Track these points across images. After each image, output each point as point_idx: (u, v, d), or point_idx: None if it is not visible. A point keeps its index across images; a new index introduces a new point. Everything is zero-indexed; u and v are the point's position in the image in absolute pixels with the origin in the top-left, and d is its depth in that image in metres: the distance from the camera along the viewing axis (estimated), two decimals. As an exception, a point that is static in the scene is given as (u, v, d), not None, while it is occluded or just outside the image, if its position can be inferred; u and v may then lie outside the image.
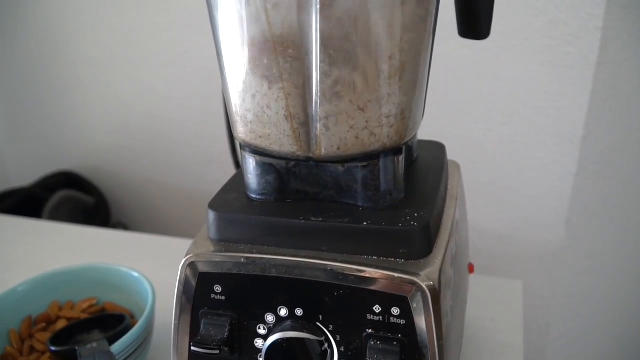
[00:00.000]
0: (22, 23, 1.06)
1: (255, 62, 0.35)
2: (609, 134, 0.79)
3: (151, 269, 0.61)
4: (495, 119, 0.82)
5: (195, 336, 0.40)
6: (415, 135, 0.46)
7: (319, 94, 0.35)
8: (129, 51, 0.99)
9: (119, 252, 0.81)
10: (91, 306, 0.59)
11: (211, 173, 1.04)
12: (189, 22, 0.92)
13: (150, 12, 0.94)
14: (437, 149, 0.50)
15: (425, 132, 0.86)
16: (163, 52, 0.97)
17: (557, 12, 0.73)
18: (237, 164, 0.61)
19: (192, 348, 0.39)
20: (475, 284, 0.66)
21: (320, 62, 0.34)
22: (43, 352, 0.55)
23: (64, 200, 0.98)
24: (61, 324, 0.57)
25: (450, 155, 0.75)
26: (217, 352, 0.39)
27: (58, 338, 0.54)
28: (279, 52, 0.34)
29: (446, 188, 0.47)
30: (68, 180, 1.07)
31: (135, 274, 0.57)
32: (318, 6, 0.32)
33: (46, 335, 0.55)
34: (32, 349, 0.55)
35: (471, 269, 0.55)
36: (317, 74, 0.34)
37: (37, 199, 0.99)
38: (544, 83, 0.77)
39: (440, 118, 0.84)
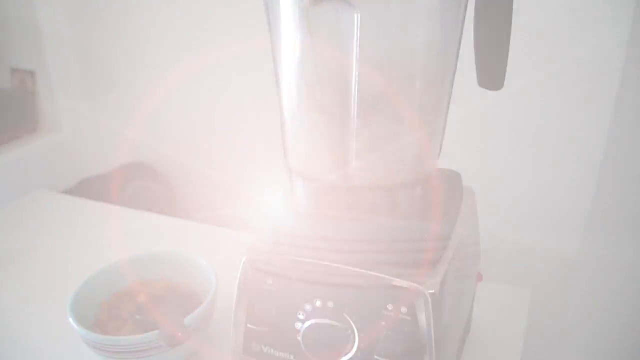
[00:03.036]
0: (114, 43, 1.20)
1: (306, 118, 0.47)
2: (624, 164, 0.86)
3: (207, 253, 0.70)
4: (525, 144, 0.91)
5: (250, 316, 0.51)
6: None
7: (354, 144, 0.46)
8: (202, 70, 1.13)
9: (183, 237, 0.92)
10: (166, 284, 0.69)
11: (264, 176, 1.17)
12: (253, 51, 1.05)
13: (225, 41, 1.08)
14: (455, 177, 0.59)
15: (468, 152, 0.97)
16: (233, 74, 1.10)
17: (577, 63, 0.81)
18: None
19: (248, 325, 0.51)
20: (490, 291, 0.73)
21: (357, 124, 0.45)
22: (127, 320, 0.67)
23: (139, 188, 1.12)
24: (142, 298, 0.68)
25: (486, 174, 0.85)
26: (267, 329, 0.51)
27: (141, 309, 0.65)
28: (325, 113, 0.46)
29: (457, 212, 0.56)
30: (141, 170, 1.22)
31: (203, 262, 0.67)
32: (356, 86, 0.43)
33: (130, 307, 0.66)
34: (119, 317, 0.66)
35: (479, 277, 0.64)
36: (354, 129, 0.45)
37: (117, 186, 1.13)
38: (567, 118, 0.86)
39: (478, 143, 0.94)
